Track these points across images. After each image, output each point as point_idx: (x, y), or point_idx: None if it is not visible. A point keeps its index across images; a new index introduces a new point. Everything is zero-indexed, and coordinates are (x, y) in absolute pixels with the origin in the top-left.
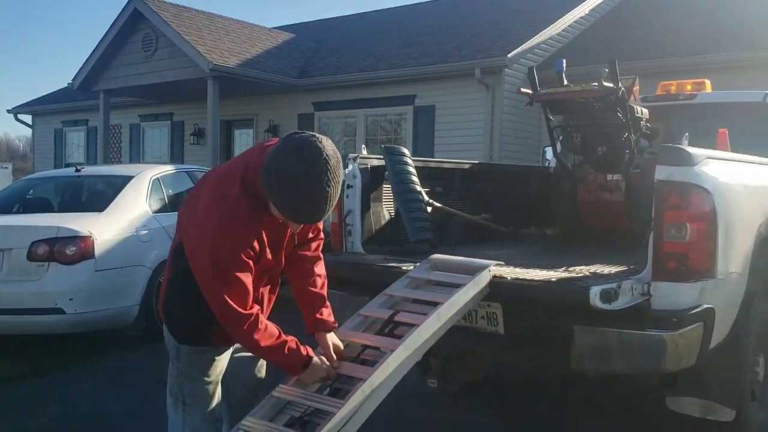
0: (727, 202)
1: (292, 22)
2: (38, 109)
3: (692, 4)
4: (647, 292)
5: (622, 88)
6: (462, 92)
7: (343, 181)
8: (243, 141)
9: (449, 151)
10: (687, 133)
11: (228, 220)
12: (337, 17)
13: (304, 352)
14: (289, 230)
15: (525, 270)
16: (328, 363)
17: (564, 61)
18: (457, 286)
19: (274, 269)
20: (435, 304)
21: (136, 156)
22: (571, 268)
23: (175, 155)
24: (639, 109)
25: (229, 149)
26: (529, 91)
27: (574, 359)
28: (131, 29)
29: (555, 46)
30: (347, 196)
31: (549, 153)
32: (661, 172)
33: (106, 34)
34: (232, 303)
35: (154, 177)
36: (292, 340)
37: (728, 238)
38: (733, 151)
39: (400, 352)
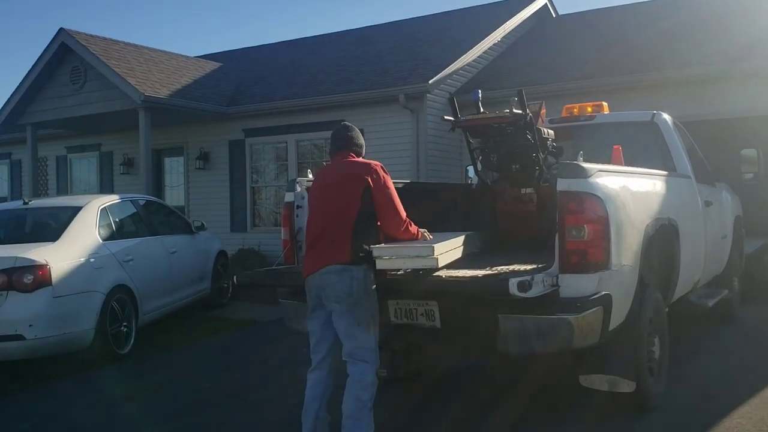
0: (617, 207)
1: (212, 51)
2: None
3: (593, 31)
4: (556, 283)
5: (530, 114)
6: (388, 116)
7: (293, 202)
8: (174, 168)
9: None
10: (582, 151)
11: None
12: (258, 46)
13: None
14: None
15: (456, 270)
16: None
17: (479, 91)
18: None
19: None
20: None
21: (64, 188)
22: (494, 267)
23: (105, 186)
24: (546, 130)
25: (159, 178)
26: (451, 118)
27: (500, 344)
28: (59, 62)
29: (471, 71)
30: (297, 215)
31: (471, 171)
32: (561, 184)
33: (32, 68)
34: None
35: (102, 206)
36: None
37: (619, 236)
38: (627, 164)
39: None
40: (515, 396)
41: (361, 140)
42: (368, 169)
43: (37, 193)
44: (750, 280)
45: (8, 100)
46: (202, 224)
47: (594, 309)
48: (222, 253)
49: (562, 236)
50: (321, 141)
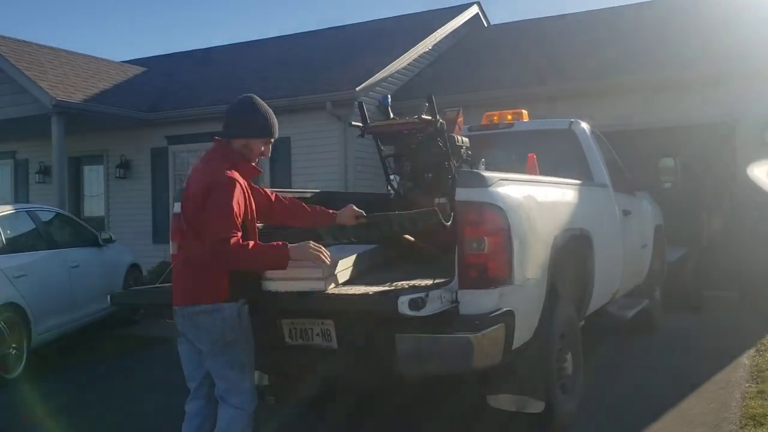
0: (520, 218)
1: (139, 56)
2: None
3: (522, 41)
4: (455, 300)
5: (440, 120)
6: (315, 124)
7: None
8: (93, 177)
9: (306, 180)
10: (483, 159)
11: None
12: (187, 51)
13: (276, 245)
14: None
15: (351, 287)
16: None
17: (389, 96)
18: None
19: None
20: None
21: None
22: (394, 283)
23: (20, 195)
24: (460, 138)
25: (78, 186)
26: (359, 124)
27: (397, 365)
28: None
29: (402, 79)
30: None
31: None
32: (460, 194)
33: None
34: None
35: None
36: (266, 245)
37: (523, 248)
38: (544, 173)
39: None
40: (421, 418)
41: (257, 122)
42: (204, 179)
43: None
44: (672, 290)
45: None
46: (111, 236)
47: (495, 327)
48: (134, 267)
49: (461, 249)
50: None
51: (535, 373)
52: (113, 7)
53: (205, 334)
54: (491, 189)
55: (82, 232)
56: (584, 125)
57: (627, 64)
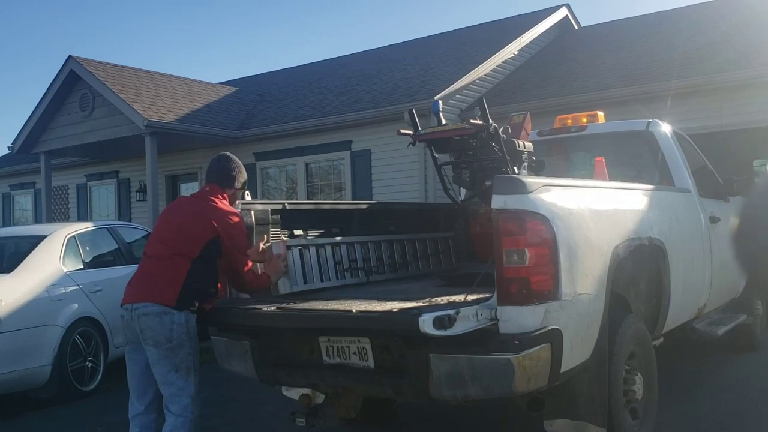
0: (569, 227)
1: (238, 77)
2: None
3: (614, 42)
4: (495, 317)
5: (493, 125)
6: (395, 135)
7: None
8: (189, 194)
9: (387, 192)
10: (525, 164)
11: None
12: (279, 70)
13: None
14: None
15: (381, 303)
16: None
17: (440, 102)
18: None
19: None
20: None
21: (84, 216)
22: (432, 299)
23: (123, 213)
24: (520, 143)
25: None
26: (410, 132)
27: (433, 387)
28: (68, 90)
29: (485, 86)
30: None
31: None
32: (497, 201)
33: (44, 96)
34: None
35: (70, 235)
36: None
37: (573, 260)
38: (617, 177)
39: None
40: None
41: (234, 172)
42: (218, 216)
43: (53, 220)
44: None
45: (22, 129)
46: None
47: (539, 347)
48: None
49: (499, 262)
50: (330, 162)
51: (594, 396)
52: (218, 33)
53: (150, 335)
54: (533, 196)
55: None
56: (664, 126)
57: (729, 61)
